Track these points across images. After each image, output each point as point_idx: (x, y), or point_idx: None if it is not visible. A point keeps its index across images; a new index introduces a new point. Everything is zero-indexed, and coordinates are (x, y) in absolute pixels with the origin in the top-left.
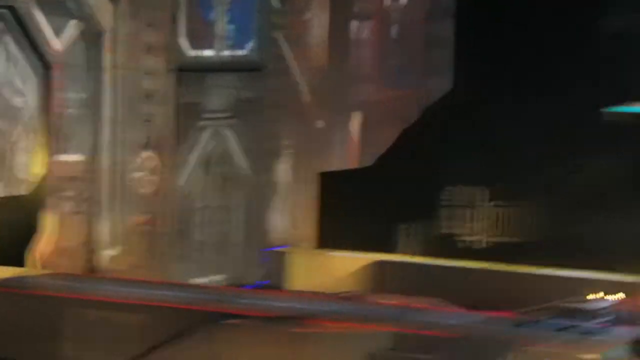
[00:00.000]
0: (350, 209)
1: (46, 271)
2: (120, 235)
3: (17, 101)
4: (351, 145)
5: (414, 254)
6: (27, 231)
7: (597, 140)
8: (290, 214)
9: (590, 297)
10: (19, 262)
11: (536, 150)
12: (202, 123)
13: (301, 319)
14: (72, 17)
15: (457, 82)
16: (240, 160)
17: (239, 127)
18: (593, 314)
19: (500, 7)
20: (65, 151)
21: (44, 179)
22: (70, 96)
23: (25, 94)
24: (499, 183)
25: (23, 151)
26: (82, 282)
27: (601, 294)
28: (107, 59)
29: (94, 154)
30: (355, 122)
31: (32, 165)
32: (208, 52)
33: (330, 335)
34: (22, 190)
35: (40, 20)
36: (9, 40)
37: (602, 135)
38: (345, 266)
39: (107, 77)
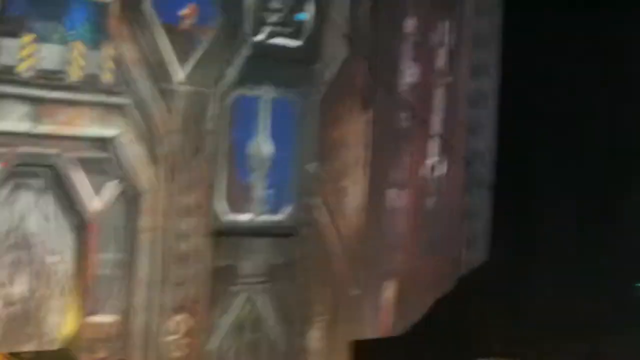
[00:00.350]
0: None
1: None
2: None
3: (52, 260)
4: (384, 313)
5: None
6: None
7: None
8: None
9: None
10: None
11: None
12: (236, 287)
13: None
14: (112, 177)
15: (493, 253)
16: (274, 325)
17: (272, 292)
18: None
19: (537, 181)
20: (98, 312)
21: (76, 339)
22: (105, 257)
23: (61, 254)
24: (534, 353)
25: (56, 311)
26: None
27: None
28: (144, 220)
29: (127, 315)
30: (388, 290)
31: (64, 325)
32: (245, 216)
33: None
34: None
35: (80, 179)
36: (47, 199)
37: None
38: None
39: (143, 239)
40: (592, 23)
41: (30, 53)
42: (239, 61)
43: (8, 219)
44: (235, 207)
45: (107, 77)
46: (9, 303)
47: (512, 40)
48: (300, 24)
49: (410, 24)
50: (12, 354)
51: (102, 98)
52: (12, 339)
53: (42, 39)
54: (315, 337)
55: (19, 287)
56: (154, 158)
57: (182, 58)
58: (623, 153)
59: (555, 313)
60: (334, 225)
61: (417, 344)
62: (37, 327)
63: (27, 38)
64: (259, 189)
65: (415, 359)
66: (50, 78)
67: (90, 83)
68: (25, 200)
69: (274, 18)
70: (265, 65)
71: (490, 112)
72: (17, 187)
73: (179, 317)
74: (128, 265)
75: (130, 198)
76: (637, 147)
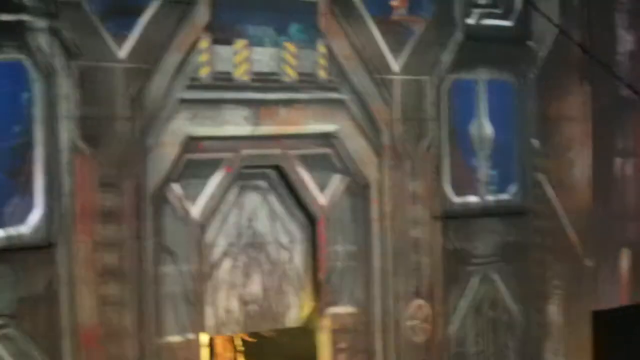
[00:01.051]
0: (625, 347)
1: None
2: None
3: (284, 258)
4: (621, 282)
5: None
6: None
7: None
8: (565, 356)
9: None
10: None
11: None
12: (469, 269)
13: None
14: (336, 171)
15: None
16: (510, 303)
17: (506, 271)
18: None
19: None
20: (336, 304)
21: (317, 332)
22: (337, 249)
23: (291, 250)
24: None
25: (292, 307)
26: None
27: None
28: (373, 210)
29: (365, 305)
30: (624, 260)
31: (302, 320)
32: (472, 199)
33: None
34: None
35: (304, 176)
36: (273, 198)
37: None
38: None
39: (374, 229)
40: None
41: (244, 58)
42: (452, 46)
43: (238, 221)
44: (462, 189)
45: (322, 74)
46: (245, 302)
47: None
48: (510, 3)
49: None
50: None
51: (320, 95)
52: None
53: (254, 43)
54: (554, 312)
55: (254, 287)
56: (376, 149)
57: (396, 48)
58: None
59: None
60: (562, 199)
61: None
62: (274, 323)
63: (240, 44)
64: (484, 170)
65: None
66: (266, 80)
67: (306, 81)
68: (253, 201)
69: (483, 0)
70: (478, 47)
71: None
72: (243, 189)
73: (416, 303)
74: (362, 256)
75: (356, 190)
76: None
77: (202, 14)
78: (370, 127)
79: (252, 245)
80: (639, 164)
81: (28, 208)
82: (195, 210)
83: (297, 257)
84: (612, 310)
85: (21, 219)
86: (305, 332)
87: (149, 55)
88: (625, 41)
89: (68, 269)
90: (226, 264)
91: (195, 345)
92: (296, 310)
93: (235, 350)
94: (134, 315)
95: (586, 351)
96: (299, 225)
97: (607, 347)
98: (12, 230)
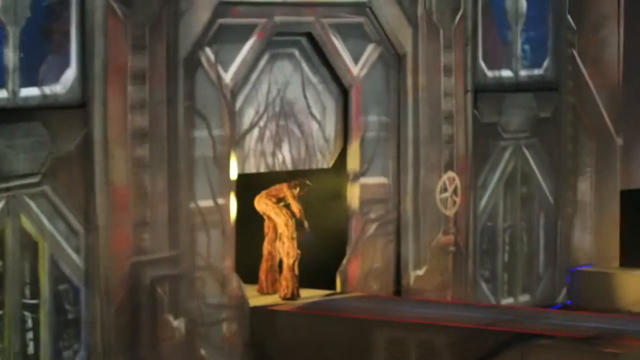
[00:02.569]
0: None
1: (355, 294)
2: (426, 256)
3: (315, 127)
4: None
5: None
6: (336, 254)
7: None
8: (593, 233)
9: None
10: (328, 284)
11: None
12: (501, 143)
13: (611, 339)
14: (370, 41)
15: None
16: (541, 179)
17: (538, 146)
18: None
19: None
20: (368, 174)
21: (349, 202)
22: (370, 119)
23: (323, 119)
24: None
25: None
26: (389, 304)
27: None
28: (407, 81)
29: (397, 175)
30: None
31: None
32: (505, 73)
33: None
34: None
35: (338, 45)
36: (304, 66)
37: None
38: None
39: (408, 100)
40: None
41: None
42: None
43: (269, 89)
44: (495, 63)
45: None
46: (274, 169)
47: None
48: None
49: None
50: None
51: None
52: None
53: None
54: (584, 189)
55: (284, 154)
56: (411, 19)
57: None
58: None
59: None
60: (595, 76)
61: None
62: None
63: None
64: (517, 44)
65: None
66: None
67: None
68: (285, 69)
69: None
70: None
71: None
72: (275, 57)
73: (448, 175)
74: (395, 126)
75: (390, 60)
76: None
77: None
78: None
79: (283, 114)
80: None
81: (62, 67)
82: (228, 76)
83: (329, 127)
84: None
85: (56, 78)
86: (338, 200)
87: None
88: None
89: (101, 129)
90: (256, 131)
91: (225, 209)
92: (328, 180)
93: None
94: (165, 178)
95: (614, 229)
96: (332, 95)
97: (636, 225)
98: (47, 89)
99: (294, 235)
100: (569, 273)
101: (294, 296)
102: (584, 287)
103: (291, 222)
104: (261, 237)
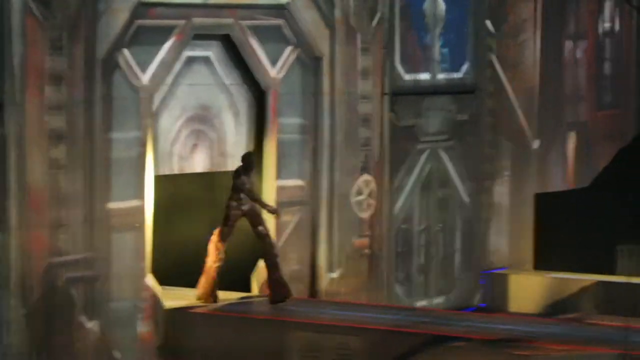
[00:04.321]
0: (568, 230)
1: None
2: (340, 259)
3: (230, 130)
4: (567, 165)
5: (633, 274)
6: (251, 256)
7: None
8: (509, 236)
9: None
10: (244, 287)
11: None
12: (418, 146)
13: (524, 341)
14: (288, 43)
15: None
16: (458, 182)
17: (455, 149)
18: None
19: None
20: (284, 176)
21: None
22: (287, 121)
23: (238, 122)
24: None
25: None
26: (304, 306)
27: None
28: (324, 84)
29: (313, 178)
30: (570, 143)
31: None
32: (423, 76)
33: (553, 358)
34: None
35: (256, 47)
36: (220, 69)
37: None
38: (565, 287)
39: (324, 102)
40: None
41: None
42: None
43: (185, 91)
44: (413, 67)
45: None
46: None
47: None
48: None
49: None
50: None
51: None
52: None
53: None
54: (500, 193)
55: (199, 157)
56: (328, 22)
57: None
58: None
59: None
60: (513, 80)
61: (601, 195)
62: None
63: None
64: (435, 48)
65: (600, 210)
66: None
67: None
68: (201, 71)
69: None
70: None
71: None
72: (192, 59)
73: (364, 178)
74: (311, 129)
75: (308, 63)
76: None
77: None
78: (322, 0)
79: (198, 117)
80: (589, 48)
81: None
82: (145, 77)
83: (244, 129)
84: (557, 192)
85: None
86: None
87: None
88: None
89: (17, 130)
90: (172, 133)
91: (141, 211)
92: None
93: None
94: (81, 180)
95: (529, 232)
96: (247, 97)
97: (550, 229)
98: None
99: (219, 245)
100: (483, 275)
101: (212, 298)
102: (498, 290)
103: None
104: (179, 237)
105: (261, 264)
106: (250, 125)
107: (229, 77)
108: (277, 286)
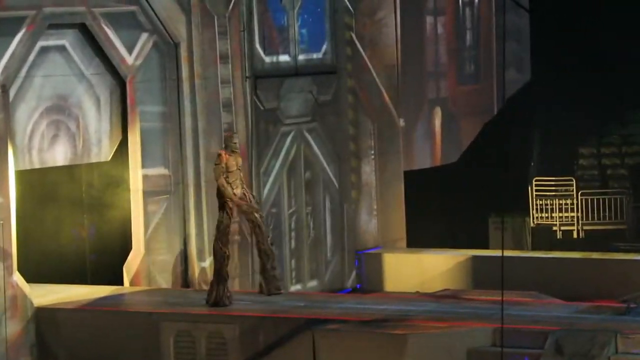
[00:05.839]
0: (439, 206)
1: (140, 287)
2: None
3: (91, 120)
4: (434, 142)
5: (505, 247)
6: (122, 249)
7: None
8: (379, 215)
9: None
10: (115, 280)
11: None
12: (282, 129)
13: (400, 320)
14: (144, 30)
15: (536, 73)
16: (325, 163)
17: (319, 131)
18: None
19: None
20: (148, 165)
21: (132, 194)
22: (147, 109)
23: (99, 112)
24: (585, 172)
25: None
26: (176, 297)
27: None
28: (183, 70)
29: (177, 166)
30: (436, 119)
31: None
32: (283, 58)
33: (430, 335)
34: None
35: (111, 35)
36: (77, 58)
37: None
38: (438, 264)
39: (184, 88)
40: None
41: None
42: None
43: (42, 83)
44: (273, 49)
45: None
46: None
47: None
48: None
49: None
50: None
51: None
52: None
53: None
54: (368, 172)
55: (60, 150)
56: (184, 6)
57: None
58: None
59: (603, 128)
60: (374, 58)
61: (469, 170)
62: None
63: None
64: (294, 29)
65: (469, 185)
66: None
67: None
68: (56, 61)
69: None
70: None
71: None
72: (46, 50)
73: None
74: (173, 117)
75: (165, 49)
76: None
77: None
78: None
79: (56, 108)
80: (448, 22)
81: None
82: None
83: (105, 119)
84: (425, 169)
85: None
86: (120, 194)
87: None
88: None
89: None
90: (30, 126)
91: (4, 207)
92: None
93: None
94: None
95: (399, 210)
96: (106, 86)
97: (420, 206)
98: None
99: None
100: (356, 256)
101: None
102: (372, 270)
103: None
104: (45, 232)
105: (130, 255)
106: (112, 115)
107: (89, 65)
108: (270, 278)
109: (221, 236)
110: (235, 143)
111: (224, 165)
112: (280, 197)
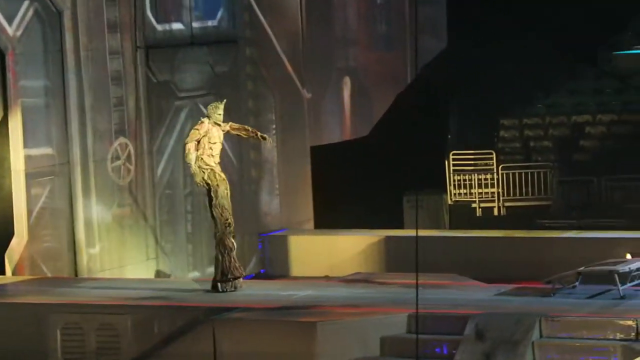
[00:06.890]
0: (349, 184)
1: (24, 277)
2: (101, 231)
3: None
4: (343, 115)
5: (421, 227)
6: (4, 235)
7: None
8: (283, 195)
9: (624, 258)
10: None
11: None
12: (177, 103)
13: (308, 307)
14: None
15: (452, 40)
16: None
17: None
18: (627, 276)
19: None
20: (31, 145)
21: (13, 177)
22: (30, 84)
23: None
24: (507, 145)
25: None
26: (64, 286)
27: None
28: (67, 40)
29: (63, 145)
30: (345, 90)
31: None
32: (176, 26)
33: (341, 323)
34: None
35: None
36: None
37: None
38: (349, 246)
39: (69, 61)
40: None
41: None
42: None
43: None
44: (165, 16)
45: None
46: None
47: None
48: None
49: None
50: None
51: None
52: None
53: None
54: (269, 149)
55: None
56: None
57: None
58: None
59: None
60: (275, 26)
61: (382, 144)
62: None
63: None
64: None
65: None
66: None
67: None
68: None
69: None
70: None
71: None
72: None
73: (120, 141)
74: (58, 91)
75: (48, 18)
76: None
77: None
78: None
79: None
80: None
81: None
82: None
83: None
84: (334, 144)
85: None
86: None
87: None
88: None
89: None
90: None
91: None
92: None
93: None
94: None
95: (306, 189)
96: None
97: (329, 184)
98: None
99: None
100: (260, 239)
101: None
102: (277, 254)
103: None
104: None
105: (12, 240)
106: None
107: None
108: (232, 266)
109: (219, 200)
110: (220, 114)
111: (202, 132)
112: (176, 177)
